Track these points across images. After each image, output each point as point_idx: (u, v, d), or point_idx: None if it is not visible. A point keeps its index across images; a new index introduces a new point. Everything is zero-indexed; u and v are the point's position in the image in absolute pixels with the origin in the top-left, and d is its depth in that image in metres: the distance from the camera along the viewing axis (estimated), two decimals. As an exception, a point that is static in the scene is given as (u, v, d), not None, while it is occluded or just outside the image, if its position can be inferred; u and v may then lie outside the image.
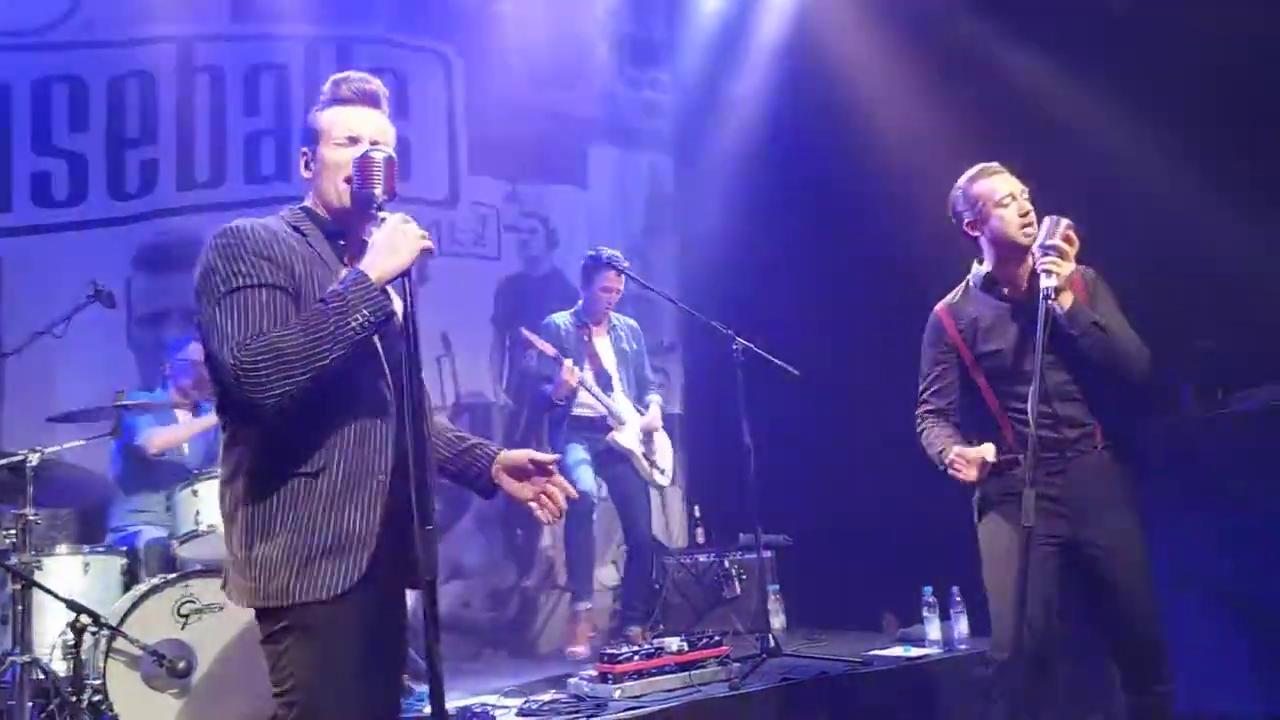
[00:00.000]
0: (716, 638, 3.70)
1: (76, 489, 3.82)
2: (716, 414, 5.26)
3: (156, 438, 4.09)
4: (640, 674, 3.42)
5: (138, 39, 5.02)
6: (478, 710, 3.42)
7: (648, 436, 4.72)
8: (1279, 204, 3.76)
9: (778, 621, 4.59)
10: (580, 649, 4.43)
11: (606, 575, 5.61)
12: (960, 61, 4.75)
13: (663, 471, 4.76)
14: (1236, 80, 3.99)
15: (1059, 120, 4.37)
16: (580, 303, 4.82)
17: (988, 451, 2.61)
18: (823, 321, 5.02)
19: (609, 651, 3.52)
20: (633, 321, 4.99)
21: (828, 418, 4.83)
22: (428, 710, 1.77)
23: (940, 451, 2.74)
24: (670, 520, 5.91)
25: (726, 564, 4.80)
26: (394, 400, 1.90)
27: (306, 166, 2.02)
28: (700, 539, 5.51)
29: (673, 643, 3.61)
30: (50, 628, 3.41)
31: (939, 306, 2.91)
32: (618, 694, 3.34)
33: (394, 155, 1.94)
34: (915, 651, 3.88)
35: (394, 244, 1.80)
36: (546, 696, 3.50)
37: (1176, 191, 4.05)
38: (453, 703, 3.58)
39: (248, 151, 5.23)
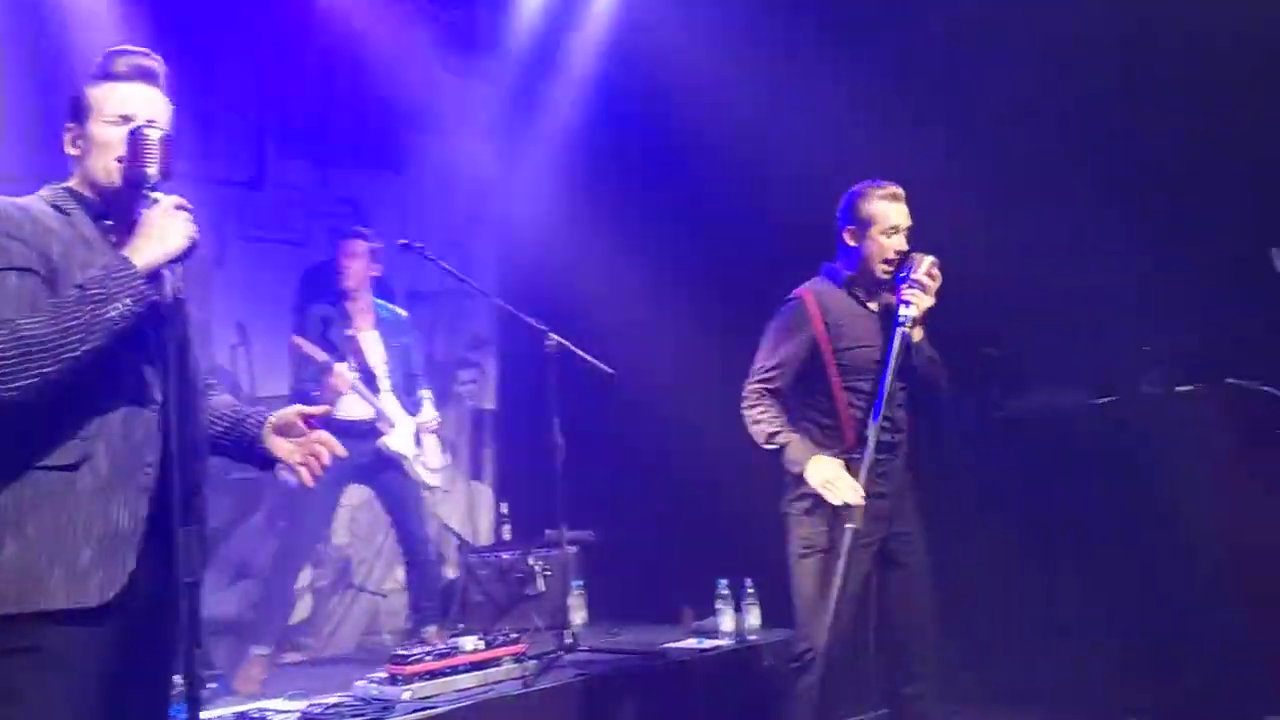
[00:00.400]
0: (514, 635, 3.67)
1: None
2: (529, 410, 5.21)
3: None
4: (432, 674, 3.33)
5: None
6: (255, 716, 3.24)
7: (418, 437, 4.53)
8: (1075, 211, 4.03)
9: (579, 617, 4.58)
10: (248, 688, 3.96)
11: (400, 573, 5.46)
12: (793, 45, 4.81)
13: (434, 472, 4.59)
14: (1010, 77, 4.24)
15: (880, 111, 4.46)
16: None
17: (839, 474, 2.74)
18: (636, 316, 5.07)
19: (399, 652, 3.42)
20: (402, 312, 4.80)
21: (636, 413, 4.87)
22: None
23: (779, 440, 2.81)
24: (477, 517, 5.82)
25: (530, 561, 4.77)
26: (162, 388, 1.79)
27: (73, 144, 1.90)
28: (506, 536, 5.45)
29: (469, 642, 3.54)
30: None
31: (804, 292, 2.97)
32: (407, 695, 3.25)
33: (169, 134, 1.86)
34: (708, 643, 3.97)
35: (163, 231, 1.75)
36: (331, 699, 3.35)
37: (976, 200, 4.27)
38: (230, 708, 3.40)
39: None
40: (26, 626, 1.66)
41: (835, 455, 2.80)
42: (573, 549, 4.58)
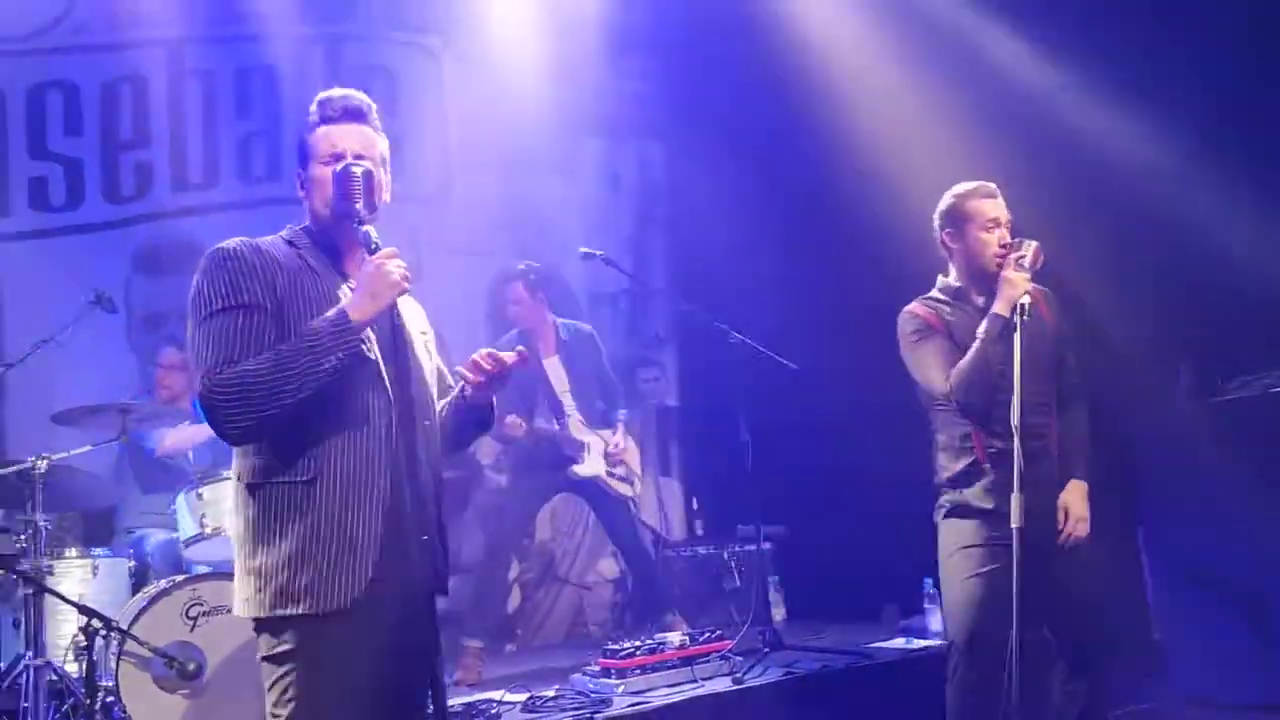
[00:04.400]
0: (718, 632, 3.75)
1: (83, 493, 3.85)
2: (712, 405, 5.30)
3: (166, 440, 4.16)
4: (643, 669, 3.47)
5: (128, 42, 5.01)
6: (482, 706, 3.46)
7: (612, 453, 4.53)
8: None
9: (778, 613, 4.64)
10: (469, 678, 4.15)
11: (606, 567, 5.66)
12: (953, 57, 4.76)
13: (629, 482, 4.59)
14: (1237, 72, 4.02)
15: (1050, 116, 4.40)
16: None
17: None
18: (817, 310, 5.05)
19: (611, 646, 3.57)
20: (586, 326, 4.81)
21: (824, 406, 4.86)
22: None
23: (984, 324, 2.69)
24: (670, 512, 5.95)
25: (726, 556, 4.85)
26: (393, 410, 1.92)
27: (300, 186, 2.07)
28: (699, 531, 5.56)
29: (674, 637, 3.66)
30: (63, 631, 3.47)
31: (914, 306, 2.92)
32: (621, 689, 3.39)
33: (374, 169, 2.00)
34: (917, 643, 3.93)
35: (373, 289, 1.87)
36: (550, 693, 3.55)
37: (1170, 177, 4.09)
38: (458, 699, 3.62)
39: (240, 152, 5.24)
40: (281, 629, 1.84)
41: (970, 464, 2.77)
42: (767, 544, 4.63)
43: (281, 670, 1.84)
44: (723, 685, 3.46)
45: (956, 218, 2.85)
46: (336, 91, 2.08)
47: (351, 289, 1.95)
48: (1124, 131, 4.30)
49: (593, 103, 6.24)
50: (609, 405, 4.68)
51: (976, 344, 2.71)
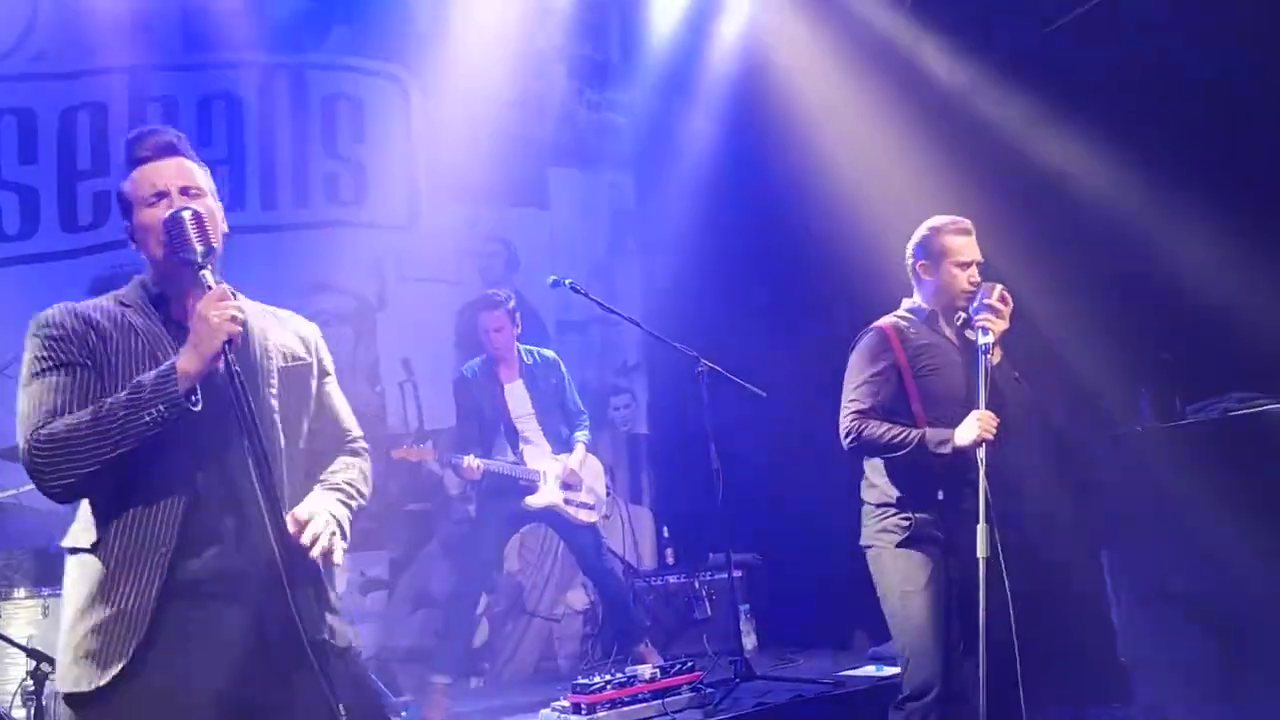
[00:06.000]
0: (689, 663, 3.71)
1: (32, 531, 3.74)
2: (683, 433, 5.28)
3: None
4: (613, 703, 3.42)
5: (89, 70, 4.93)
6: (450, 745, 3.39)
7: (570, 480, 4.50)
8: (1236, 220, 3.88)
9: (749, 642, 4.60)
10: (437, 716, 4.09)
11: (576, 599, 5.59)
12: (914, 86, 4.83)
13: (591, 508, 4.54)
14: (1197, 97, 4.10)
15: (1009, 144, 4.47)
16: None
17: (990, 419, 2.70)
18: (787, 337, 5.07)
19: (581, 681, 3.51)
20: (549, 352, 4.81)
21: (792, 434, 4.86)
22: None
23: (913, 437, 2.77)
24: (639, 541, 5.91)
25: (697, 585, 4.81)
26: (198, 472, 1.84)
27: (132, 239, 1.97)
28: (670, 560, 5.52)
29: (645, 670, 3.61)
30: (11, 674, 3.34)
31: (883, 323, 3.01)
32: (592, 724, 3.34)
33: (202, 206, 1.90)
34: (888, 670, 3.91)
35: (198, 336, 1.79)
36: (520, 728, 3.49)
37: (1132, 204, 4.16)
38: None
39: (203, 181, 5.16)
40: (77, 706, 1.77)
41: (926, 496, 2.80)
42: (738, 573, 4.59)
43: None
44: (695, 718, 3.42)
45: (932, 250, 2.97)
46: (144, 129, 2.00)
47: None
48: (1084, 158, 4.38)
49: (561, 132, 6.26)
50: (571, 429, 4.66)
51: (913, 446, 2.77)
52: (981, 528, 2.52)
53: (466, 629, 4.51)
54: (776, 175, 5.42)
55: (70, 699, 1.78)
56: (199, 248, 1.84)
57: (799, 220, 5.27)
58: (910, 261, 3.01)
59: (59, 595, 3.49)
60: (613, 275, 6.33)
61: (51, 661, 3.12)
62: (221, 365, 1.79)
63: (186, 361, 1.79)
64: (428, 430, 5.48)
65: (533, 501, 4.39)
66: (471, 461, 4.22)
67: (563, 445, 4.61)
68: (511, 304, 4.59)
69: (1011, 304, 2.82)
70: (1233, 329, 3.95)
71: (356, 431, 2.18)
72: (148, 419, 1.75)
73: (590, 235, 6.34)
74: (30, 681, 3.11)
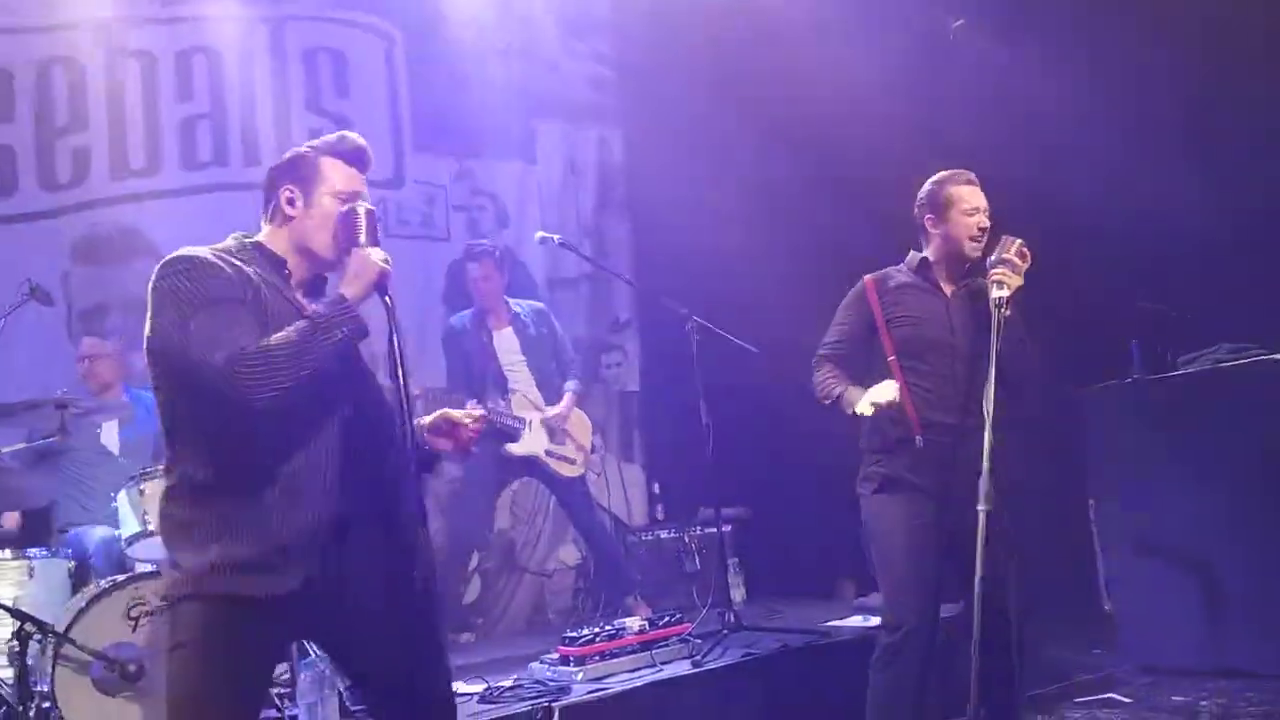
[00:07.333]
0: (678, 615, 3.73)
1: (18, 491, 3.74)
2: (674, 390, 5.26)
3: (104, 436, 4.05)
4: (602, 655, 3.43)
5: (63, 23, 4.83)
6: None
7: (554, 431, 4.53)
8: (1227, 168, 3.85)
9: (738, 594, 4.62)
10: None
11: (567, 554, 5.61)
12: (909, 34, 4.74)
13: (571, 462, 4.57)
14: (1191, 51, 4.04)
15: (1013, 93, 4.40)
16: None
17: (891, 390, 2.77)
18: (777, 292, 5.02)
19: (569, 634, 3.52)
20: (539, 304, 4.86)
21: (782, 389, 4.83)
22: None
23: (835, 392, 2.91)
24: (630, 497, 5.92)
25: (686, 539, 4.82)
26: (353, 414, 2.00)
27: (290, 203, 2.08)
28: (660, 515, 5.53)
29: (634, 622, 3.62)
30: (-2, 635, 3.35)
31: (868, 276, 3.08)
32: (580, 676, 3.34)
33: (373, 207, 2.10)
34: (873, 621, 3.92)
35: (358, 271, 1.99)
36: (508, 682, 3.49)
37: (1126, 156, 4.12)
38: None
39: (183, 137, 5.08)
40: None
41: (902, 436, 2.84)
42: (727, 527, 4.61)
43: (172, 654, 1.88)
44: (683, 669, 3.44)
45: (938, 202, 2.97)
46: (353, 135, 2.16)
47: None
48: (1076, 109, 4.32)
49: (549, 86, 6.16)
50: (562, 377, 4.67)
51: (831, 401, 2.92)
52: (984, 479, 2.53)
53: (457, 585, 4.53)
54: (769, 128, 5.34)
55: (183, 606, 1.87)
56: (365, 240, 2.03)
57: (792, 174, 5.20)
58: (918, 218, 3.01)
59: (46, 557, 3.57)
60: (602, 231, 6.27)
61: (37, 623, 3.14)
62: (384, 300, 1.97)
63: (349, 287, 1.96)
64: (414, 393, 5.45)
65: (514, 449, 4.41)
66: (472, 409, 4.22)
67: (555, 395, 4.62)
68: (497, 254, 4.59)
69: (1029, 260, 2.77)
70: (1224, 278, 3.93)
71: None
72: (336, 337, 1.90)
73: (578, 190, 6.26)
74: (15, 643, 3.11)
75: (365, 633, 2.00)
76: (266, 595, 1.86)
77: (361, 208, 2.05)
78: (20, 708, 3.03)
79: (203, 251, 1.98)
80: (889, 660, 2.82)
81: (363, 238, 2.01)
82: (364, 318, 1.96)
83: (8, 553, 3.54)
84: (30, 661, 3.08)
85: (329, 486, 1.94)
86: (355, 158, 2.13)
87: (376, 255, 2.00)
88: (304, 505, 1.91)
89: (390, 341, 1.94)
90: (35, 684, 3.09)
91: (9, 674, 3.16)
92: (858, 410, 2.79)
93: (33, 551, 3.58)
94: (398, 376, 1.93)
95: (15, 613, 3.14)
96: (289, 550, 1.89)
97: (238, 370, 1.83)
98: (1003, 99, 4.44)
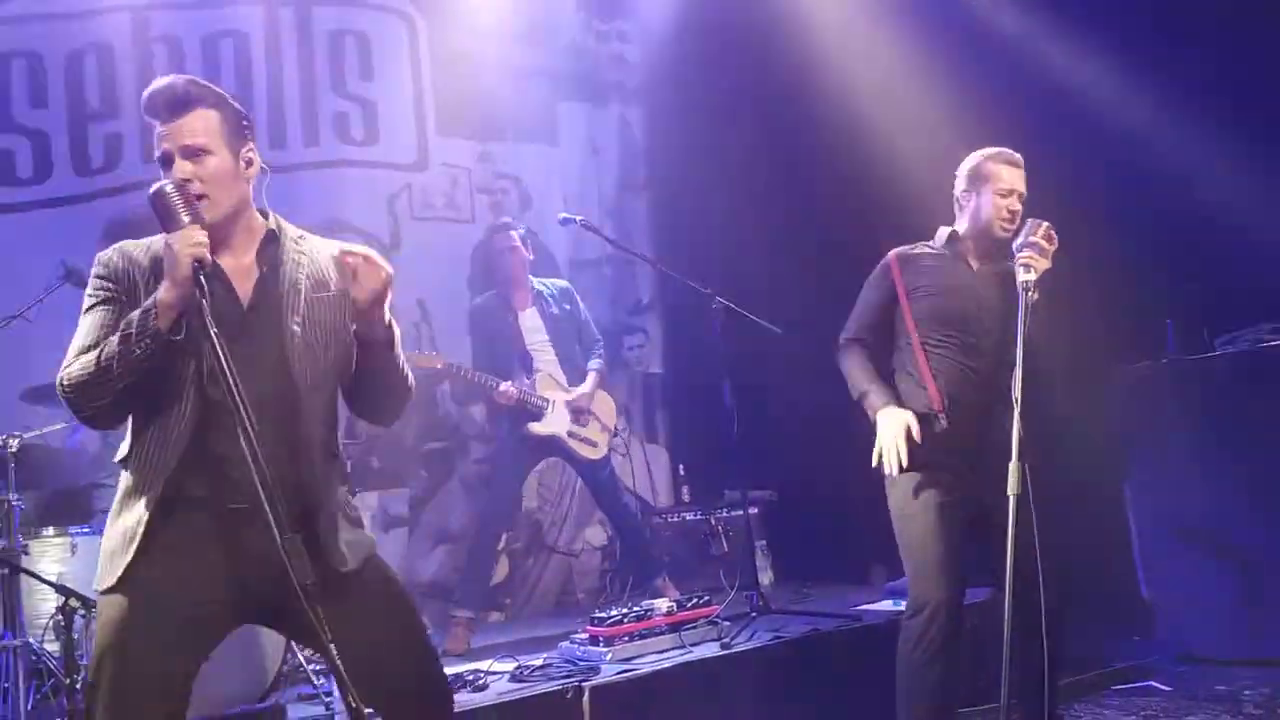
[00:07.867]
0: (706, 597, 3.75)
1: (59, 471, 3.80)
2: (698, 371, 5.27)
3: None
4: (631, 636, 3.46)
5: (92, 10, 4.87)
6: (469, 676, 3.44)
7: (578, 413, 4.52)
8: (1266, 147, 3.80)
9: (766, 577, 4.64)
10: (457, 648, 4.18)
11: (594, 535, 5.65)
12: (936, 13, 4.70)
13: (594, 445, 4.55)
14: (1233, 32, 3.99)
15: (1044, 66, 4.35)
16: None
17: (912, 424, 2.80)
18: (801, 272, 5.01)
19: (598, 614, 3.55)
20: (563, 282, 4.84)
21: (807, 370, 4.82)
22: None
23: (861, 389, 2.96)
24: (655, 479, 5.94)
25: (713, 521, 4.84)
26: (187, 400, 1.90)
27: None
28: (686, 497, 5.55)
29: (662, 604, 3.65)
30: (42, 610, 3.42)
31: (893, 251, 3.08)
32: (609, 657, 3.38)
33: (187, 181, 1.89)
34: (903, 605, 3.91)
35: (168, 266, 1.83)
36: (538, 661, 3.54)
37: (1161, 134, 4.08)
38: (446, 670, 3.61)
39: (211, 120, 5.10)
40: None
41: (923, 410, 2.85)
42: (754, 509, 4.61)
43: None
44: (711, 650, 3.46)
45: (977, 176, 2.96)
46: (152, 88, 2.00)
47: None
48: (1113, 89, 4.27)
49: (570, 67, 6.14)
50: (586, 356, 4.67)
51: (855, 397, 2.96)
52: (1014, 465, 2.50)
53: (488, 565, 4.56)
54: (792, 107, 5.31)
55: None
56: (185, 219, 1.84)
57: (814, 153, 5.17)
58: (956, 189, 3.01)
59: (87, 534, 3.64)
60: (624, 213, 6.27)
61: (80, 597, 3.21)
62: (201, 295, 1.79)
63: (164, 292, 1.83)
64: (442, 370, 5.48)
65: (536, 428, 4.42)
66: (508, 389, 4.30)
67: (580, 376, 4.62)
68: (522, 230, 4.60)
69: (1056, 243, 2.75)
70: (1264, 257, 3.88)
71: None
72: (138, 353, 1.82)
73: (600, 171, 6.25)
74: (60, 617, 3.18)
75: (299, 622, 1.80)
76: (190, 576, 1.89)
77: (168, 185, 1.85)
78: (68, 680, 3.10)
79: (114, 247, 1.98)
80: (915, 642, 2.82)
81: (185, 217, 1.82)
82: (175, 323, 1.81)
83: (51, 530, 3.61)
84: (75, 635, 3.15)
85: (172, 467, 1.87)
86: (149, 107, 1.97)
87: (186, 240, 1.80)
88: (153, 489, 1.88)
89: (212, 344, 1.74)
90: (81, 657, 3.15)
91: (55, 647, 3.25)
92: (877, 430, 2.84)
93: (74, 529, 3.65)
94: (224, 381, 1.72)
95: (59, 588, 3.22)
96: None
97: (64, 387, 1.88)
98: (1036, 77, 4.39)
